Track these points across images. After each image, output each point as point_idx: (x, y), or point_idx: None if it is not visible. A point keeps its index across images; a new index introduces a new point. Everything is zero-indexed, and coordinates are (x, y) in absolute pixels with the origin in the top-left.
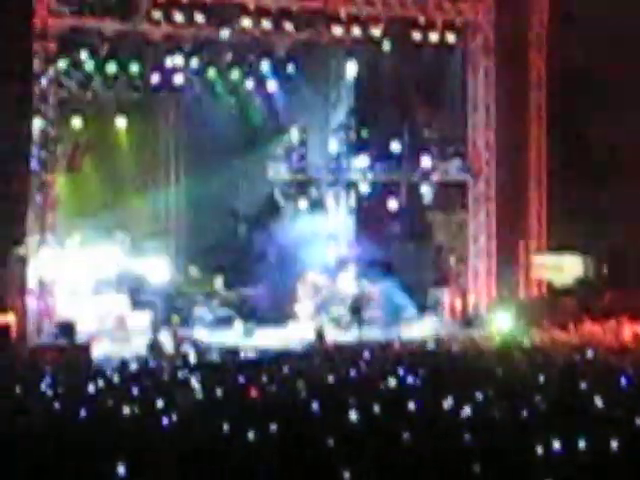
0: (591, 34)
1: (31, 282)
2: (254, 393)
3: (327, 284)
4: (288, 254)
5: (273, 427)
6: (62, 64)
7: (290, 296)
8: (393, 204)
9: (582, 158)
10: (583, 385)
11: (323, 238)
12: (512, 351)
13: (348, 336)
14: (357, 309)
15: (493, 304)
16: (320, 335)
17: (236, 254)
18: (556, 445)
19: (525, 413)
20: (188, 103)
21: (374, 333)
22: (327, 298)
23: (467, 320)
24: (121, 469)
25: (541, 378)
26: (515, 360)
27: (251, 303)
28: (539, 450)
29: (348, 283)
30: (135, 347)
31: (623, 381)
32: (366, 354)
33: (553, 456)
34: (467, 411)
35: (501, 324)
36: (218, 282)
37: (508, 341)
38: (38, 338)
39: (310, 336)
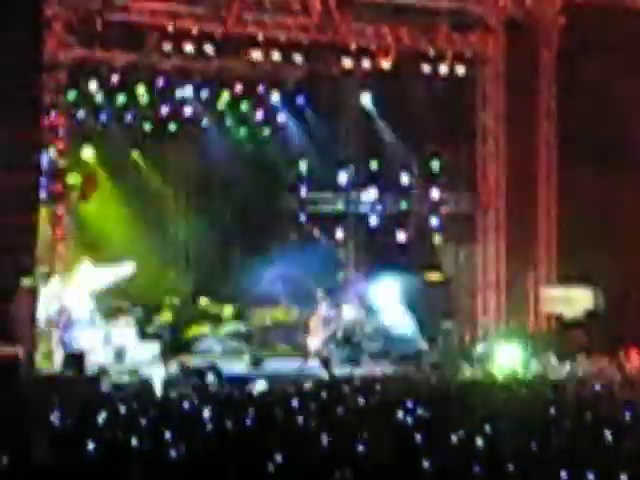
0: (603, 65)
1: (42, 313)
2: None
3: (336, 317)
4: (297, 286)
5: (279, 458)
6: (71, 95)
7: (302, 329)
8: (402, 236)
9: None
10: (591, 418)
11: (332, 269)
12: (518, 385)
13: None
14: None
15: (502, 337)
16: (326, 366)
17: (246, 284)
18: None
19: (534, 446)
20: (198, 134)
21: (381, 366)
22: (335, 331)
23: (474, 352)
24: None
25: (551, 411)
26: (521, 394)
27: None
28: None
29: (352, 315)
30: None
31: (627, 414)
32: (375, 386)
33: None
34: (478, 443)
35: (508, 358)
36: (227, 312)
37: (515, 375)
38: (48, 369)
39: (317, 368)
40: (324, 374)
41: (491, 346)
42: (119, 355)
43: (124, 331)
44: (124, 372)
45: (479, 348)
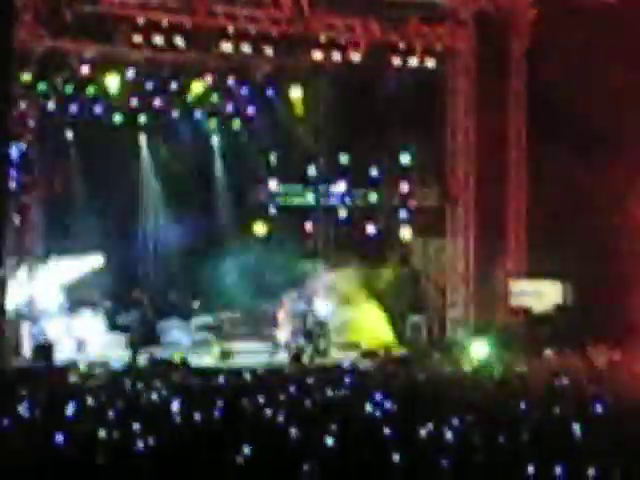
0: (572, 59)
1: (10, 305)
2: None
3: (304, 310)
4: (263, 278)
5: (247, 451)
6: (41, 87)
7: (269, 321)
8: (372, 229)
9: (561, 184)
10: (559, 412)
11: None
12: (487, 378)
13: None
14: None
15: (470, 331)
16: (297, 358)
17: (213, 279)
18: (532, 472)
19: (502, 439)
20: (167, 126)
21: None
22: (304, 323)
23: (442, 346)
24: None
25: (521, 405)
26: (490, 387)
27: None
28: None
29: (322, 307)
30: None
31: (598, 408)
32: (340, 378)
33: None
34: (446, 436)
35: (477, 351)
36: (196, 306)
37: (483, 369)
38: (16, 361)
39: (286, 360)
40: (292, 366)
41: (459, 339)
42: (79, 347)
43: (86, 323)
44: (93, 364)
45: (447, 341)
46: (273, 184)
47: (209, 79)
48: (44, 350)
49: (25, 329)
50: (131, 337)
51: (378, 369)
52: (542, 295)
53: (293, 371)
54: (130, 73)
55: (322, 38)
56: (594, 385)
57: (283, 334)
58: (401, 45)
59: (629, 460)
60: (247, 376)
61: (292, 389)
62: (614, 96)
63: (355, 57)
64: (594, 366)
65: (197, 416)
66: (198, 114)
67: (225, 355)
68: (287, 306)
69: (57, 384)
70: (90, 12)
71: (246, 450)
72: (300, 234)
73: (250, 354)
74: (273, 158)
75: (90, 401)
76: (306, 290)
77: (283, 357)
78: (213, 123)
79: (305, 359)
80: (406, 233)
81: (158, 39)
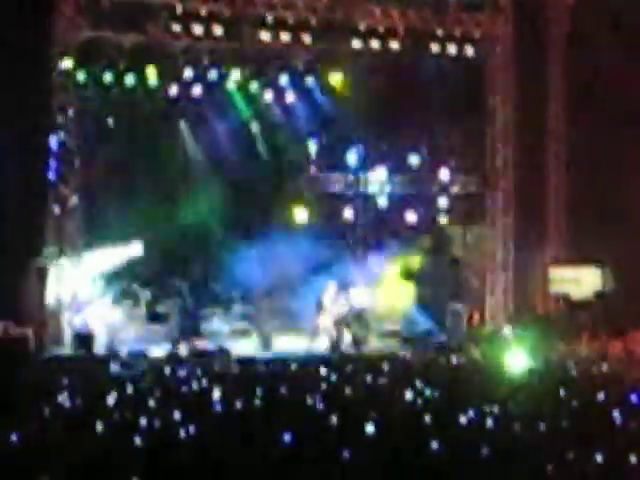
0: (613, 45)
1: (51, 295)
2: None
3: (345, 297)
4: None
5: (288, 437)
6: (80, 76)
7: (309, 310)
8: (411, 217)
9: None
10: (600, 398)
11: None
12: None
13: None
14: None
15: (510, 319)
16: (336, 345)
17: (251, 268)
18: (573, 458)
19: (544, 427)
20: (207, 115)
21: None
22: (346, 311)
23: (482, 335)
24: None
25: (561, 392)
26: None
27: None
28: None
29: (362, 295)
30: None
31: (635, 396)
32: (383, 366)
33: (570, 469)
34: (487, 424)
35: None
36: (236, 294)
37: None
38: (57, 350)
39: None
40: (333, 353)
41: (499, 329)
42: (118, 337)
43: (126, 312)
44: (133, 353)
45: (487, 330)
46: (313, 171)
47: (248, 68)
48: (85, 340)
49: (66, 319)
50: (171, 327)
51: (418, 357)
52: (581, 282)
53: (333, 359)
54: (168, 62)
55: (360, 26)
56: (634, 372)
57: (325, 320)
58: (439, 32)
59: None
60: (289, 364)
61: (333, 377)
62: None
63: (394, 45)
64: (634, 354)
65: (238, 404)
66: (238, 102)
67: (265, 343)
68: (329, 293)
69: (98, 373)
70: (129, 1)
71: (287, 437)
72: (339, 221)
73: (290, 341)
74: (313, 146)
75: (130, 390)
76: (346, 278)
77: (323, 343)
78: (252, 111)
79: (344, 347)
80: (445, 220)
81: (197, 28)
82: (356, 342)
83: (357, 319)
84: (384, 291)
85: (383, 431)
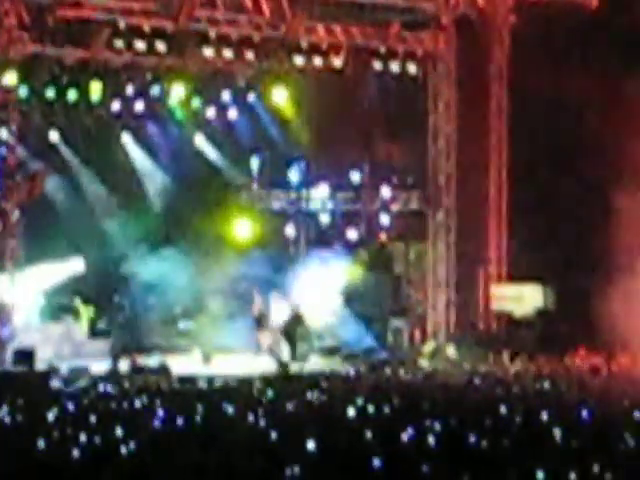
0: (554, 63)
1: None
2: None
3: (286, 313)
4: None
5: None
6: (23, 92)
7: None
8: (353, 234)
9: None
10: (543, 416)
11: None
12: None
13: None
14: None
15: (451, 336)
16: (281, 364)
17: (194, 283)
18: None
19: (485, 443)
20: (149, 130)
21: (329, 363)
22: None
23: (424, 351)
24: None
25: (502, 409)
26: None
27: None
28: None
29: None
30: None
31: (584, 414)
32: (324, 383)
33: None
34: (429, 441)
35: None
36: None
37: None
38: None
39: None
40: (276, 370)
41: (441, 344)
42: (61, 352)
43: (67, 328)
44: (74, 369)
45: (429, 346)
46: (255, 188)
47: (190, 84)
48: (25, 355)
49: (5, 334)
50: (112, 342)
51: (358, 374)
52: (523, 299)
53: (274, 375)
54: (111, 78)
55: (303, 43)
56: (575, 390)
57: (265, 336)
58: (382, 50)
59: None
60: (228, 381)
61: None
62: (595, 102)
63: (336, 62)
64: (574, 371)
65: (179, 421)
66: (179, 118)
67: (206, 359)
68: (273, 303)
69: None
70: (72, 17)
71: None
72: (281, 237)
73: (231, 357)
74: (255, 162)
75: (71, 406)
76: (287, 294)
77: (266, 361)
78: (194, 127)
79: (288, 366)
80: (387, 237)
81: (139, 44)
82: (296, 358)
83: (297, 325)
84: (323, 307)
85: (324, 448)
